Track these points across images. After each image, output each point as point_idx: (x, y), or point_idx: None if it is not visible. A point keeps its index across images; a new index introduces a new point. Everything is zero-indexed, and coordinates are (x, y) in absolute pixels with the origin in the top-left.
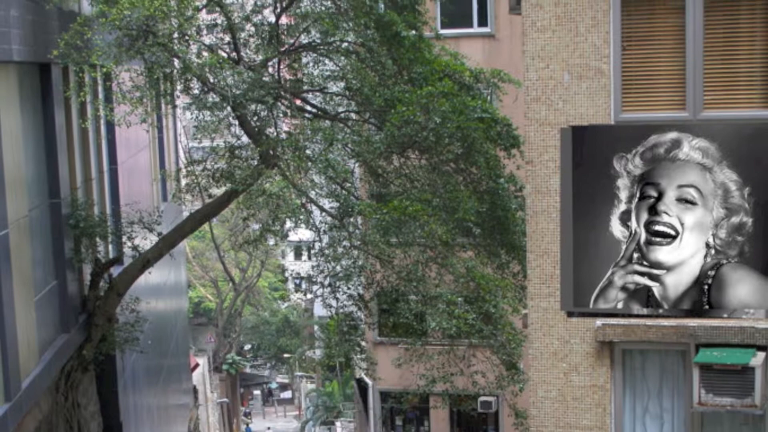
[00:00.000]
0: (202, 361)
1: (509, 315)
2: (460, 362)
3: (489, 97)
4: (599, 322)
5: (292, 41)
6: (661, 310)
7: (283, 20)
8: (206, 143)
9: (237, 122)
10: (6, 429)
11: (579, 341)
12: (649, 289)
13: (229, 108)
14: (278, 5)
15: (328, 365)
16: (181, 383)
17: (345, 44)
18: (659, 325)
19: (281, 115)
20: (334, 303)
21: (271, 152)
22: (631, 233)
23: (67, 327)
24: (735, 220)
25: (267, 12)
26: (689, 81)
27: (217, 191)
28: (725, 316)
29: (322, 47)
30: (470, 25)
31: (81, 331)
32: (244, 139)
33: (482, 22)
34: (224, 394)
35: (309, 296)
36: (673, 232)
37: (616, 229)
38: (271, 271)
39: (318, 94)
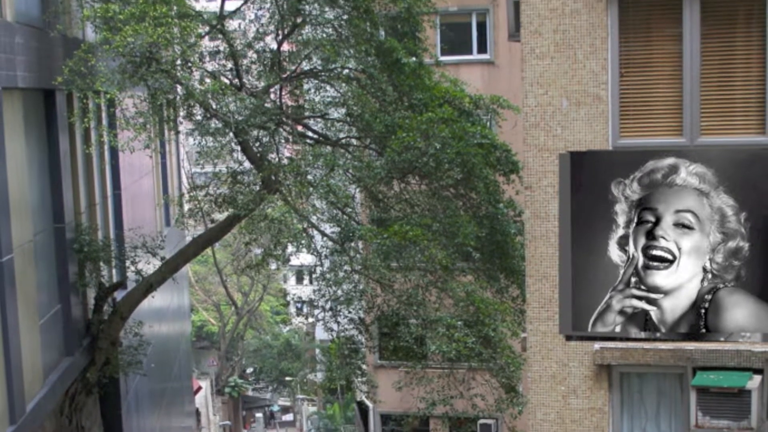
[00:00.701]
0: (205, 384)
1: (508, 338)
2: (460, 385)
3: (488, 123)
4: (597, 345)
5: (293, 68)
6: (658, 334)
7: (285, 47)
8: (209, 169)
9: (239, 148)
10: None
11: (577, 364)
12: (646, 312)
13: (231, 134)
14: (280, 32)
15: (329, 388)
16: (183, 406)
17: (346, 71)
18: (657, 349)
19: (283, 140)
20: (335, 326)
21: (273, 178)
22: (628, 258)
23: (71, 350)
24: (732, 244)
25: (269, 39)
26: (686, 107)
27: (220, 216)
28: (722, 339)
29: (323, 74)
30: (470, 52)
31: (85, 354)
32: (247, 164)
33: (482, 49)
34: (227, 417)
35: (310, 320)
36: (670, 257)
37: (614, 253)
38: (273, 295)
39: (319, 120)
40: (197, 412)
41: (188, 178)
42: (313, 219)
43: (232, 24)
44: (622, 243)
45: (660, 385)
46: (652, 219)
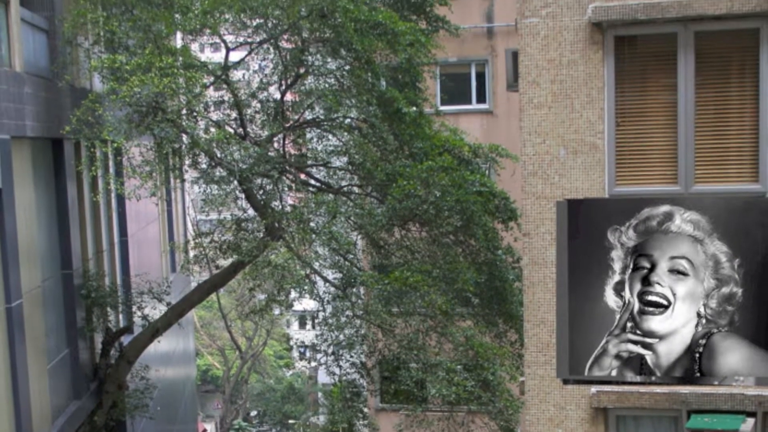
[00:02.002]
0: (210, 427)
1: (507, 382)
2: (460, 428)
3: (487, 172)
4: (594, 389)
5: (296, 117)
6: (653, 378)
7: (288, 97)
8: (214, 216)
9: (243, 196)
10: None
11: (574, 408)
12: (642, 357)
13: (235, 182)
14: (283, 82)
15: (331, 431)
16: None
17: (348, 120)
18: (652, 392)
19: (286, 188)
20: (337, 370)
21: (277, 225)
22: (624, 303)
23: (79, 394)
24: (725, 290)
25: (272, 89)
26: (681, 156)
27: (224, 262)
28: (716, 383)
29: (325, 123)
30: (469, 102)
31: (92, 397)
32: (251, 212)
33: (480, 99)
34: None
35: (313, 364)
36: (665, 302)
37: (611, 299)
38: (277, 340)
39: (322, 168)
40: None
41: (193, 225)
42: (316, 265)
43: (237, 74)
44: (618, 289)
45: (655, 427)
46: (648, 265)
